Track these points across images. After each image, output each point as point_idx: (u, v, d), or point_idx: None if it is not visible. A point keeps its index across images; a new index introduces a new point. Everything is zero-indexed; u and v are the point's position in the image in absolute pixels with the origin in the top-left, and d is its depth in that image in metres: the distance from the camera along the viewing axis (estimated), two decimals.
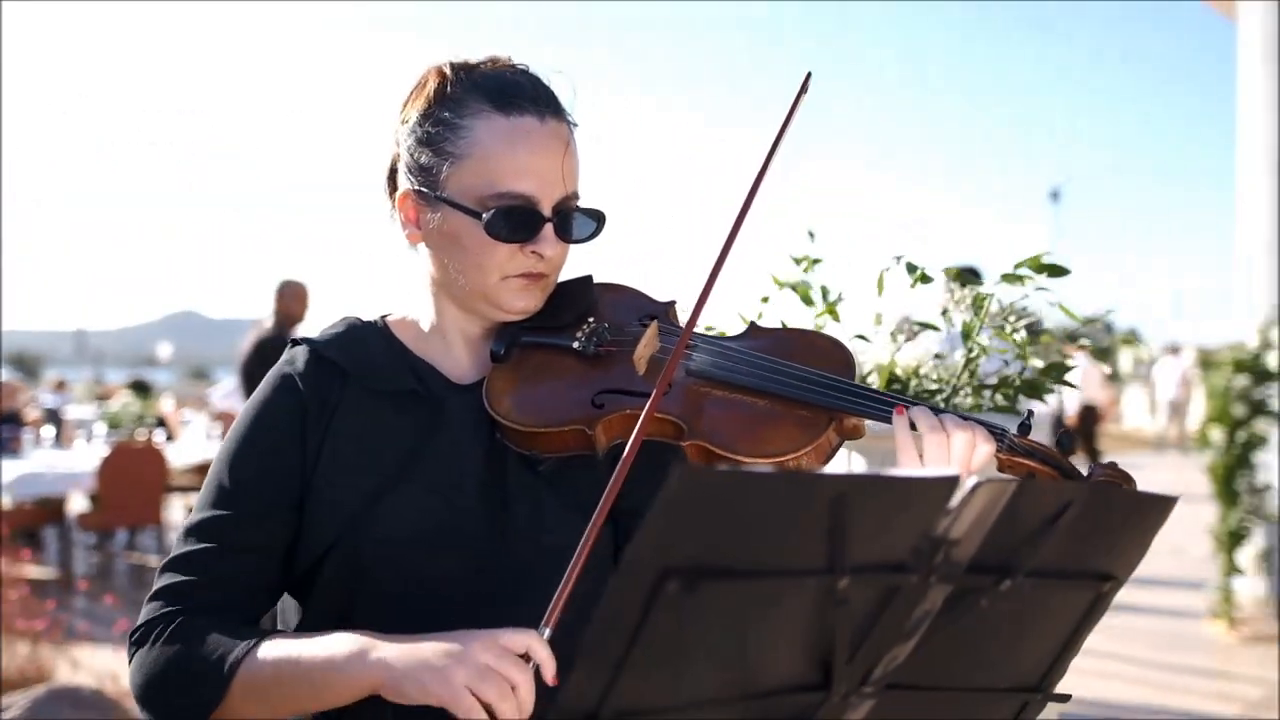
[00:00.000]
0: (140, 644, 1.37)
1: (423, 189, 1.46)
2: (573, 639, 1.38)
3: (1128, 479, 1.34)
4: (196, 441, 11.19)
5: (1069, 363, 2.02)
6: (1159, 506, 1.11)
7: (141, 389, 15.96)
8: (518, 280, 1.46)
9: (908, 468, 1.34)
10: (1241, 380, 7.02)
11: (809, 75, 1.43)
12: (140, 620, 1.38)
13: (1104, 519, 1.08)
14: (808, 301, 2.15)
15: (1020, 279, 1.89)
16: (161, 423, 11.89)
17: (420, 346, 1.54)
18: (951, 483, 0.94)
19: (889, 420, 1.37)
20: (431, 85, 1.48)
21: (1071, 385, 2.01)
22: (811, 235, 2.20)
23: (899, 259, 1.83)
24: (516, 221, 1.42)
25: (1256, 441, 6.94)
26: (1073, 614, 1.14)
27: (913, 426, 1.35)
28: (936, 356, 2.06)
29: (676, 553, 0.82)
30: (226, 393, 14.20)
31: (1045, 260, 1.88)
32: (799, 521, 0.87)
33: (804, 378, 1.40)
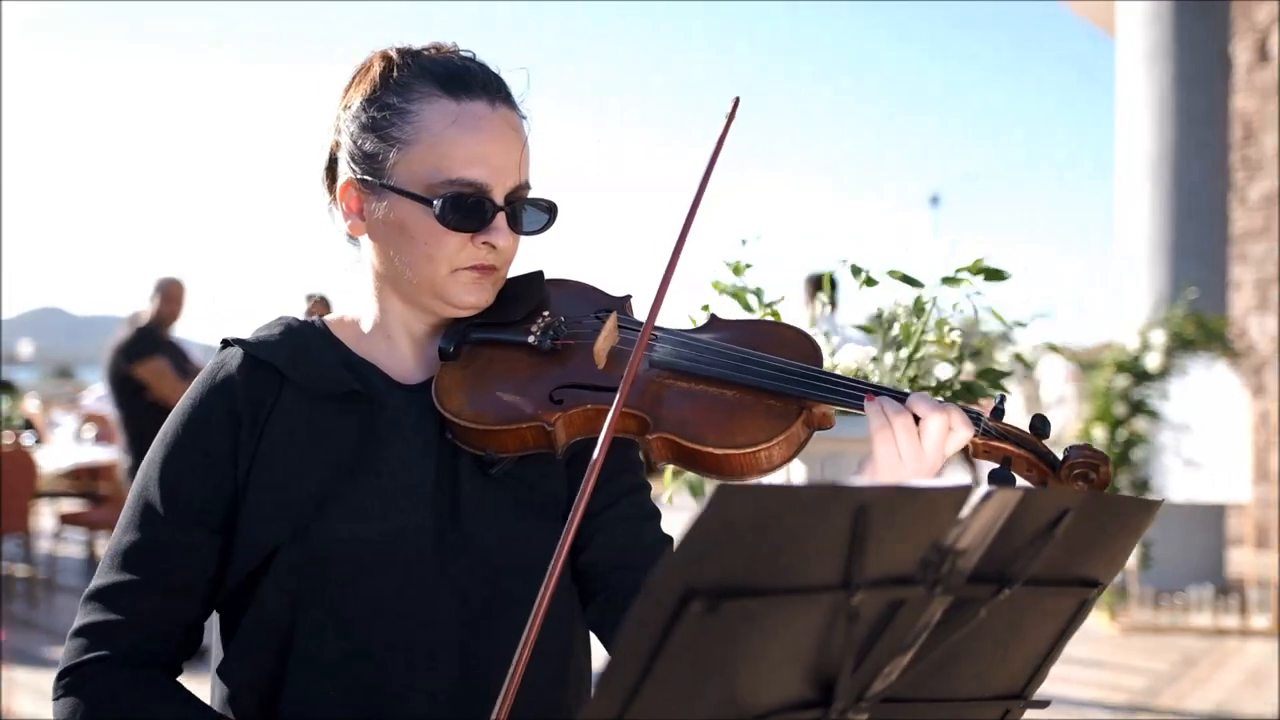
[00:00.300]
0: (70, 691, 1.30)
1: (367, 177, 1.39)
2: (547, 658, 1.34)
3: (1105, 460, 1.33)
4: (66, 445, 10.70)
5: (998, 368, 2.03)
6: (1147, 510, 1.11)
7: (7, 389, 15.20)
8: (468, 273, 1.39)
9: (885, 456, 1.30)
10: (1122, 380, 7.29)
11: (737, 100, 1.37)
12: (68, 662, 1.31)
13: (1097, 525, 1.07)
14: (746, 307, 2.13)
15: (958, 281, 1.90)
16: (29, 425, 11.34)
17: (362, 346, 1.46)
18: (965, 492, 0.91)
19: (860, 408, 1.33)
20: (377, 69, 1.41)
21: (1006, 391, 2.02)
22: (744, 241, 2.18)
23: (844, 262, 1.82)
24: (467, 210, 1.36)
25: (1136, 440, 7.21)
26: (1059, 620, 1.13)
27: (917, 418, 1.31)
28: (874, 360, 2.05)
29: (702, 572, 0.77)
30: (101, 394, 13.64)
31: (984, 264, 1.89)
32: (822, 535, 0.83)
33: (772, 366, 1.36)
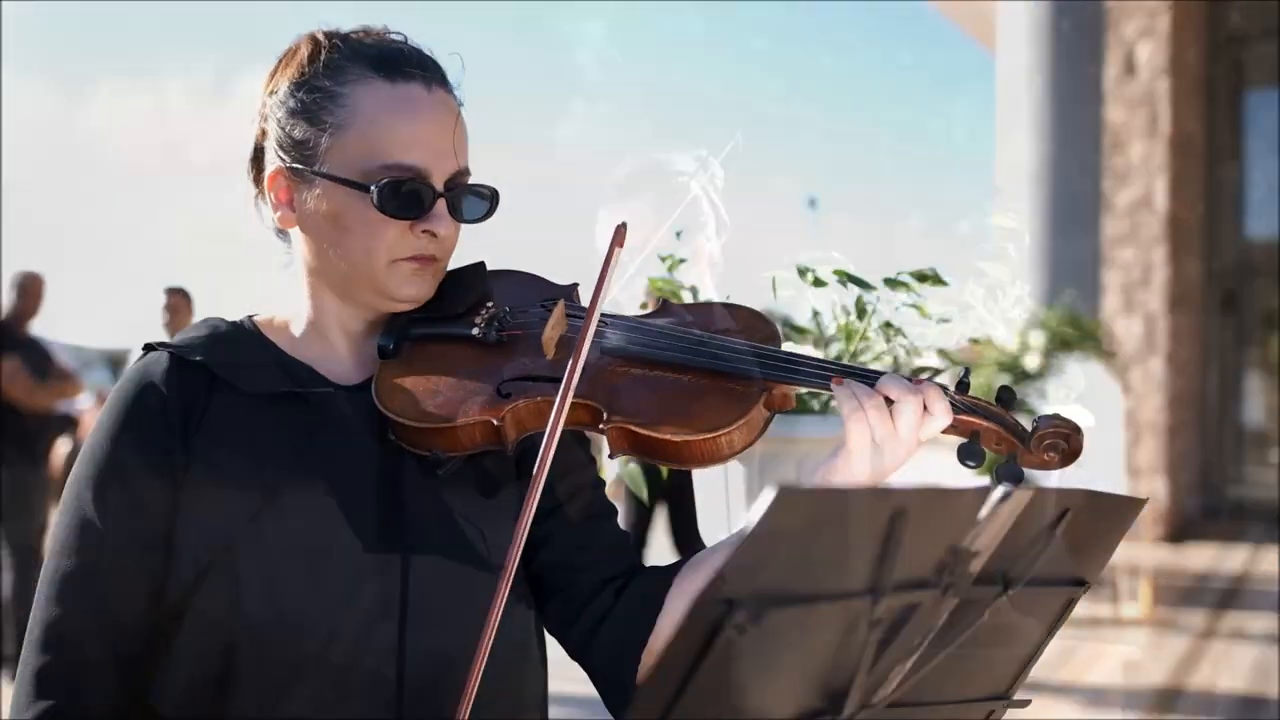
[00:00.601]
0: None
1: (297, 165, 1.31)
2: (501, 662, 1.30)
3: (1076, 429, 1.30)
4: None
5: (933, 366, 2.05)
6: (1133, 508, 1.11)
7: None
8: (408, 264, 1.33)
9: (858, 442, 1.26)
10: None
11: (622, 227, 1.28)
12: (17, 715, 1.23)
13: (1091, 523, 1.07)
14: (677, 295, 2.10)
15: (904, 285, 1.91)
16: None
17: (296, 347, 1.38)
18: (985, 493, 0.90)
19: (827, 387, 1.28)
20: (305, 52, 1.34)
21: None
22: (679, 234, 2.16)
23: (794, 264, 1.82)
24: (406, 197, 1.29)
25: None
26: (1047, 620, 1.13)
27: (890, 400, 1.26)
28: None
29: (748, 580, 0.74)
30: None
31: (927, 272, 1.91)
32: (858, 540, 0.81)
33: (730, 348, 1.31)
